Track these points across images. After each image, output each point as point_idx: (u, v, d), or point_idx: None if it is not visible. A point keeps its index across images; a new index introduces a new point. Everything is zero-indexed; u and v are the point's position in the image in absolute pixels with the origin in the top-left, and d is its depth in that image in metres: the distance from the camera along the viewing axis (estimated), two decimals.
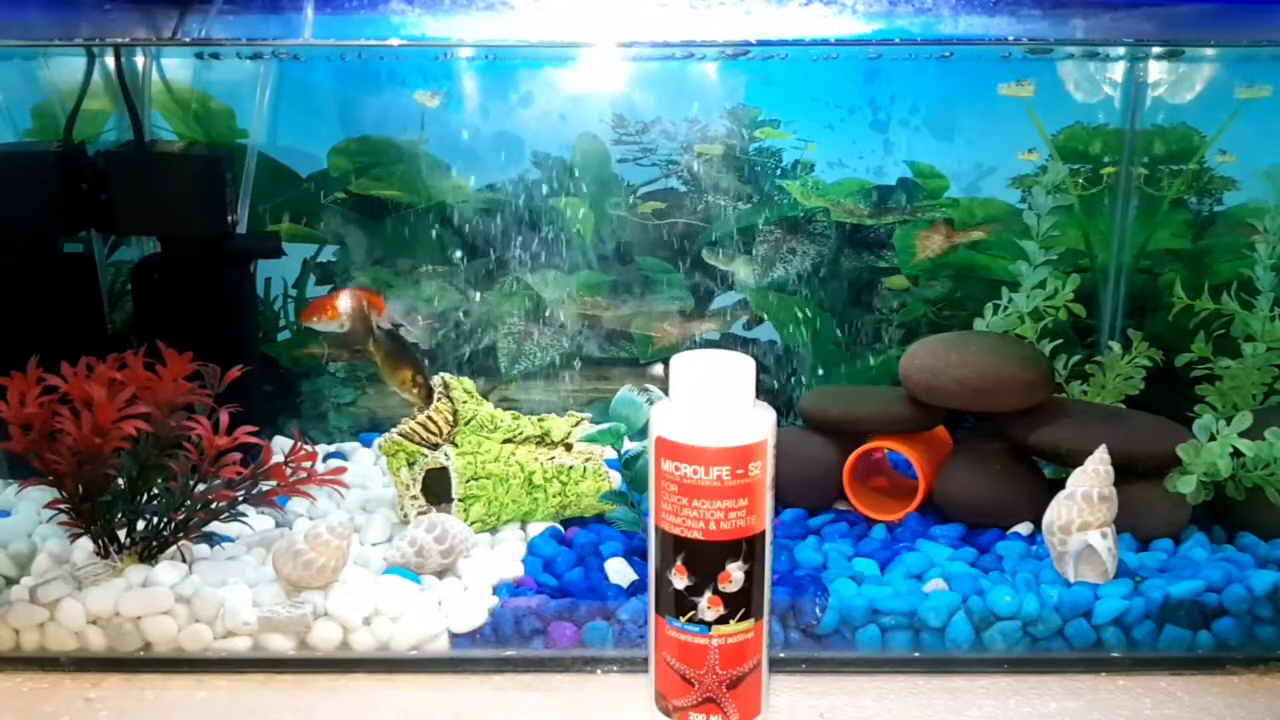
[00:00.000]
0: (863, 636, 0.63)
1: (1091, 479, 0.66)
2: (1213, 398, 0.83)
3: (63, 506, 0.65)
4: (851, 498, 0.78)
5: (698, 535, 0.43)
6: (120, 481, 0.66)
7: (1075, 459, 0.68)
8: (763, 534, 0.44)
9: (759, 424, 0.42)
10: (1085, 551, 0.65)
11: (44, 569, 0.67)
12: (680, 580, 0.45)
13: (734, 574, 0.43)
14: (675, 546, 0.44)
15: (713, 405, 0.42)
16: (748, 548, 0.43)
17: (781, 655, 0.62)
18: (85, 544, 0.67)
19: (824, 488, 0.79)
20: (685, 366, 0.42)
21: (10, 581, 0.66)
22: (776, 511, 0.80)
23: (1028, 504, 0.73)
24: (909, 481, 0.81)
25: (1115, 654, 0.63)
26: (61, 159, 0.80)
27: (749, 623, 0.46)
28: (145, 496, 0.67)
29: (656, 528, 0.45)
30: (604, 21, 0.75)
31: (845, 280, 0.96)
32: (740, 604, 0.45)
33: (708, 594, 0.44)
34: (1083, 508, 0.65)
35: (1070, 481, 0.67)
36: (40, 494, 0.74)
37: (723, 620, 0.45)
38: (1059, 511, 0.66)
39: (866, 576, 0.67)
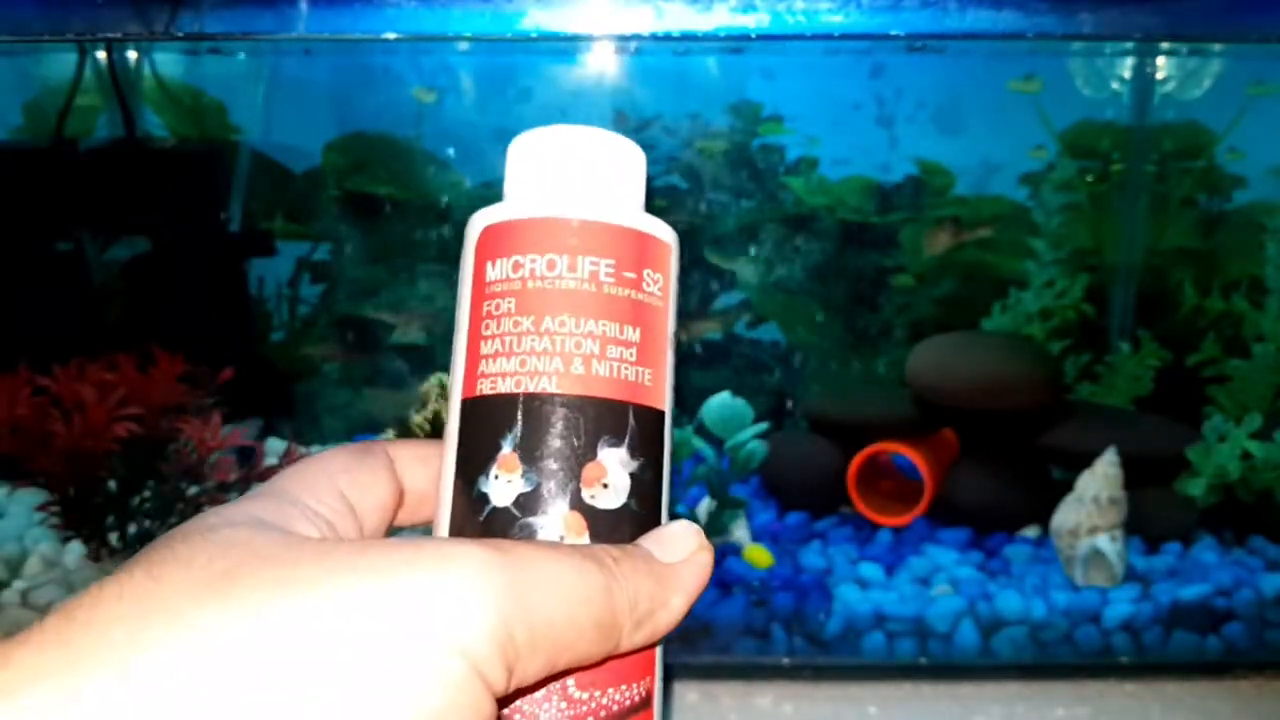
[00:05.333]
0: (868, 642, 0.62)
1: (1100, 482, 0.65)
2: (1223, 399, 0.82)
3: (54, 509, 0.64)
4: (856, 501, 0.77)
5: (547, 389, 0.20)
6: (112, 484, 0.65)
7: (1084, 461, 0.67)
8: (661, 415, 0.21)
9: (658, 225, 0.22)
10: (1094, 555, 0.64)
11: (35, 572, 0.66)
12: (504, 485, 0.20)
13: (610, 467, 0.20)
14: (499, 418, 0.20)
15: (582, 179, 0.22)
16: (638, 427, 0.20)
17: (785, 662, 0.61)
18: (76, 547, 0.66)
19: (828, 491, 0.78)
20: (533, 141, 0.23)
21: (2, 585, 0.65)
22: (779, 513, 0.80)
23: (1036, 507, 0.72)
24: (915, 484, 0.80)
25: (1123, 659, 0.62)
26: (51, 155, 0.79)
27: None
28: (137, 499, 0.66)
29: (463, 401, 0.21)
30: (603, 15, 0.73)
31: (850, 279, 0.95)
32: (625, 529, 0.20)
33: (561, 508, 0.20)
34: (1091, 511, 0.64)
35: (1079, 484, 0.66)
36: (32, 496, 0.73)
37: None
38: (1067, 515, 0.65)
39: (872, 581, 0.66)
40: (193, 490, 0.65)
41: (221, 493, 0.65)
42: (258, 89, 0.91)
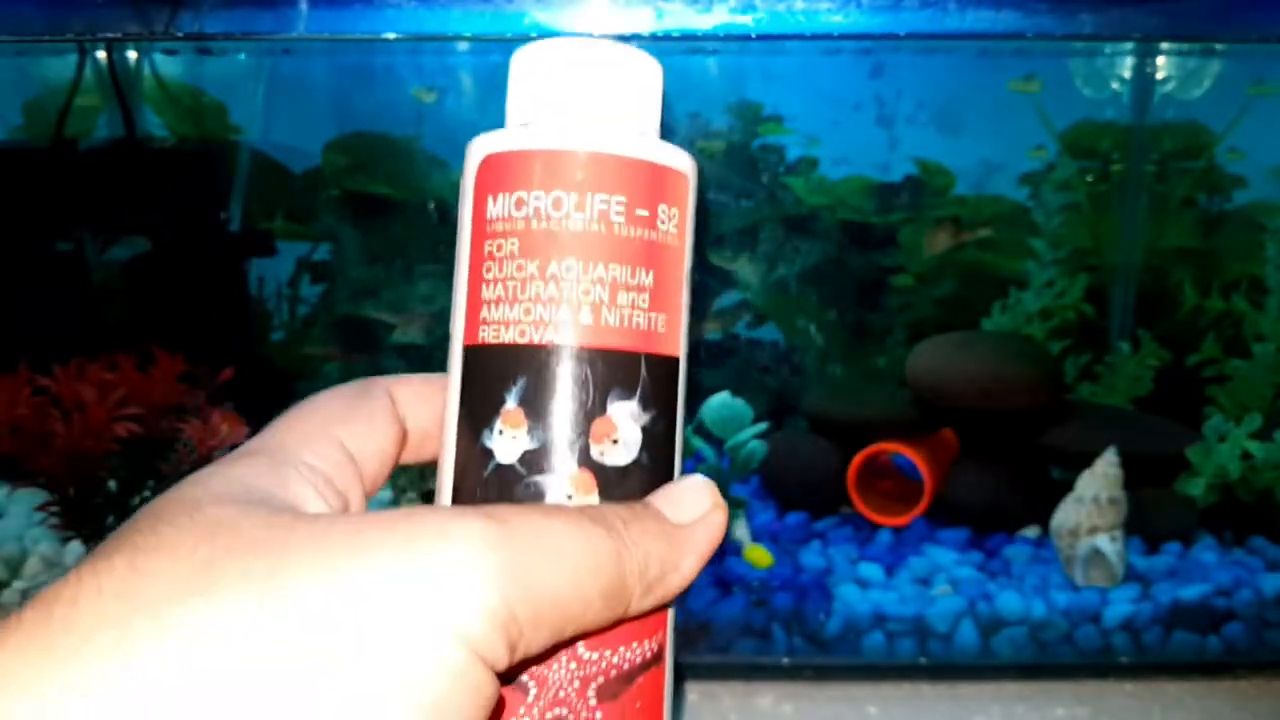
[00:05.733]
0: (868, 642, 0.62)
1: (1100, 482, 0.65)
2: (1223, 399, 0.82)
3: (54, 509, 0.64)
4: (856, 501, 0.77)
5: (553, 339, 0.19)
6: (112, 484, 0.65)
7: (1084, 461, 0.67)
8: (675, 362, 0.20)
9: (675, 154, 0.20)
10: (1094, 555, 0.64)
11: (35, 572, 0.66)
12: (509, 441, 0.19)
13: (621, 422, 0.19)
14: (502, 369, 0.19)
15: (592, 102, 0.20)
16: (650, 378, 0.19)
17: (785, 662, 0.61)
18: (76, 547, 0.66)
19: (828, 491, 0.78)
20: (538, 55, 0.20)
21: (2, 585, 0.65)
22: (779, 513, 0.80)
23: (1036, 507, 0.72)
24: (915, 484, 0.80)
25: (1123, 659, 0.62)
26: (52, 155, 0.79)
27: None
28: (137, 499, 0.66)
29: (464, 349, 0.20)
30: (602, 15, 0.73)
31: (850, 279, 0.95)
32: (635, 486, 0.19)
33: (569, 466, 0.19)
34: (1091, 511, 0.64)
35: (1079, 484, 0.66)
36: (31, 496, 0.73)
37: None
38: (1067, 515, 0.65)
39: (872, 581, 0.66)
40: None
41: None
42: (257, 89, 0.91)
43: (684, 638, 0.62)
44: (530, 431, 0.19)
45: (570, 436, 0.19)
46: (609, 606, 0.17)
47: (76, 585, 0.14)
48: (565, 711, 0.18)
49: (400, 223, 0.94)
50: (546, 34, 0.79)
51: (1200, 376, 0.84)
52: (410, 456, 0.21)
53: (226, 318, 0.85)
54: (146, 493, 0.66)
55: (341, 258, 0.95)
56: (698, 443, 0.65)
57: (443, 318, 0.94)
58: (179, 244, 0.83)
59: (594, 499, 0.19)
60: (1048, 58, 0.89)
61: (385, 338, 0.93)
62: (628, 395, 0.19)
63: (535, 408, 0.19)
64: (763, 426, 0.65)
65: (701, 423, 0.64)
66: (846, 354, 0.94)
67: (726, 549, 0.70)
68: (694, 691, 0.60)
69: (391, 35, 0.74)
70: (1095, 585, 0.64)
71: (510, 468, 0.19)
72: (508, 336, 0.19)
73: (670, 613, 0.20)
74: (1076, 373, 0.86)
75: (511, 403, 0.19)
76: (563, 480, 0.19)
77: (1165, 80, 0.91)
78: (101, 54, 0.84)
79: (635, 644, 0.18)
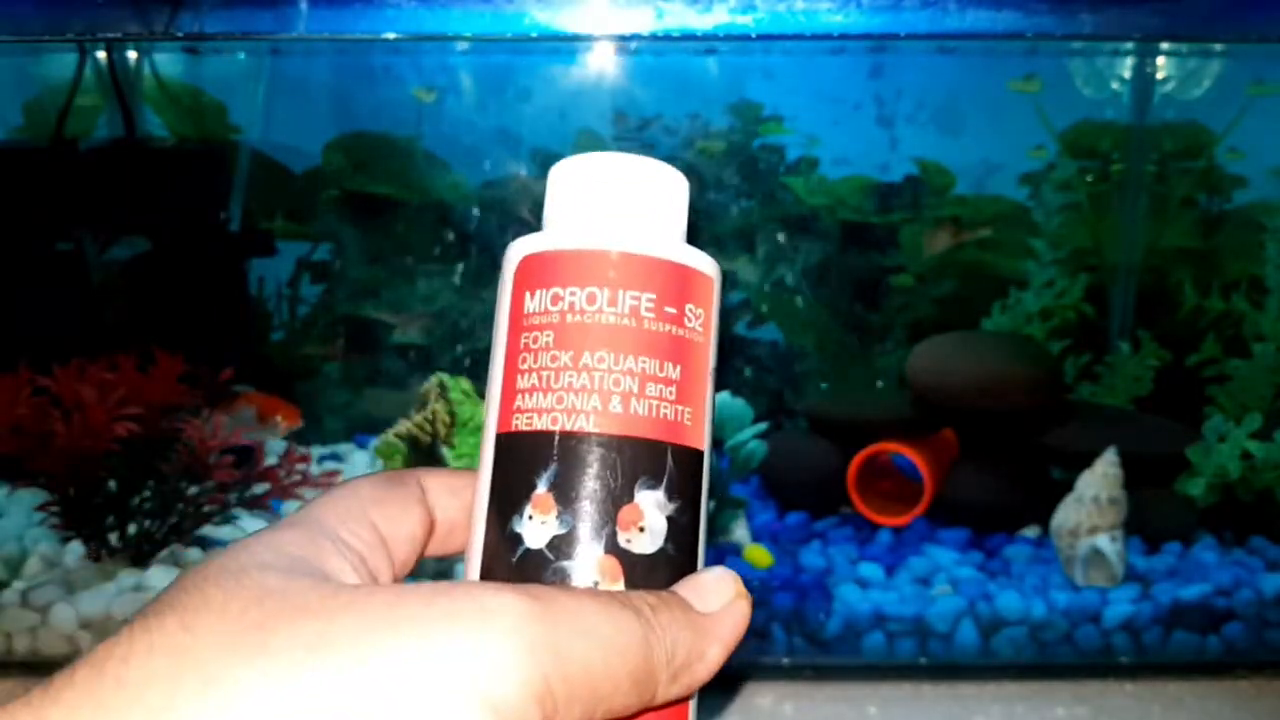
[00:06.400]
0: (868, 642, 0.62)
1: (1100, 482, 0.65)
2: (1223, 399, 0.82)
3: (54, 509, 0.64)
4: (856, 501, 0.77)
5: (584, 427, 0.19)
6: (112, 484, 0.65)
7: (1084, 461, 0.67)
8: (700, 455, 0.21)
9: (701, 258, 0.21)
10: (1094, 555, 0.64)
11: (35, 572, 0.66)
12: (539, 526, 0.20)
13: (648, 511, 0.19)
14: (534, 456, 0.20)
15: (624, 209, 0.21)
16: (676, 468, 0.20)
17: (785, 662, 0.61)
18: (76, 547, 0.66)
19: (829, 491, 0.78)
20: (575, 168, 0.22)
21: (2, 585, 0.65)
22: (779, 513, 0.80)
23: (1035, 507, 0.72)
24: (915, 484, 0.80)
25: (1124, 659, 0.62)
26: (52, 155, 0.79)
27: None
28: (137, 499, 0.66)
29: (497, 436, 0.21)
30: (603, 15, 0.73)
31: (850, 279, 0.95)
32: (661, 575, 0.20)
33: (596, 552, 0.19)
34: (1091, 511, 0.64)
35: (1079, 484, 0.66)
36: (32, 496, 0.73)
37: None
38: (1067, 515, 0.65)
39: (872, 581, 0.66)
40: (192, 490, 0.65)
41: (221, 493, 0.65)
42: (257, 89, 0.91)
43: None
44: (559, 517, 0.20)
45: (598, 523, 0.19)
46: (637, 691, 0.17)
47: (129, 643, 0.15)
48: None
49: (400, 223, 0.94)
50: (546, 34, 0.80)
51: (1200, 376, 0.84)
52: (436, 548, 0.22)
53: (226, 318, 0.85)
54: (146, 493, 0.66)
55: (341, 258, 0.95)
56: None
57: (442, 317, 0.94)
58: (179, 244, 0.83)
59: (620, 586, 0.19)
60: (1048, 58, 0.89)
61: (385, 337, 0.93)
62: (655, 485, 0.20)
63: (565, 493, 0.19)
64: (763, 426, 0.65)
65: None
66: (846, 354, 0.94)
67: (726, 549, 0.70)
68: None
69: (391, 35, 0.74)
70: (1095, 585, 0.64)
71: (539, 552, 0.19)
72: (541, 424, 0.20)
73: (692, 705, 0.20)
74: (1076, 373, 0.86)
75: (542, 488, 0.20)
76: (590, 566, 0.19)
77: (1165, 80, 0.91)
78: (101, 54, 0.84)
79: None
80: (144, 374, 0.64)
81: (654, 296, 0.20)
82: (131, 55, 0.89)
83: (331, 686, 0.14)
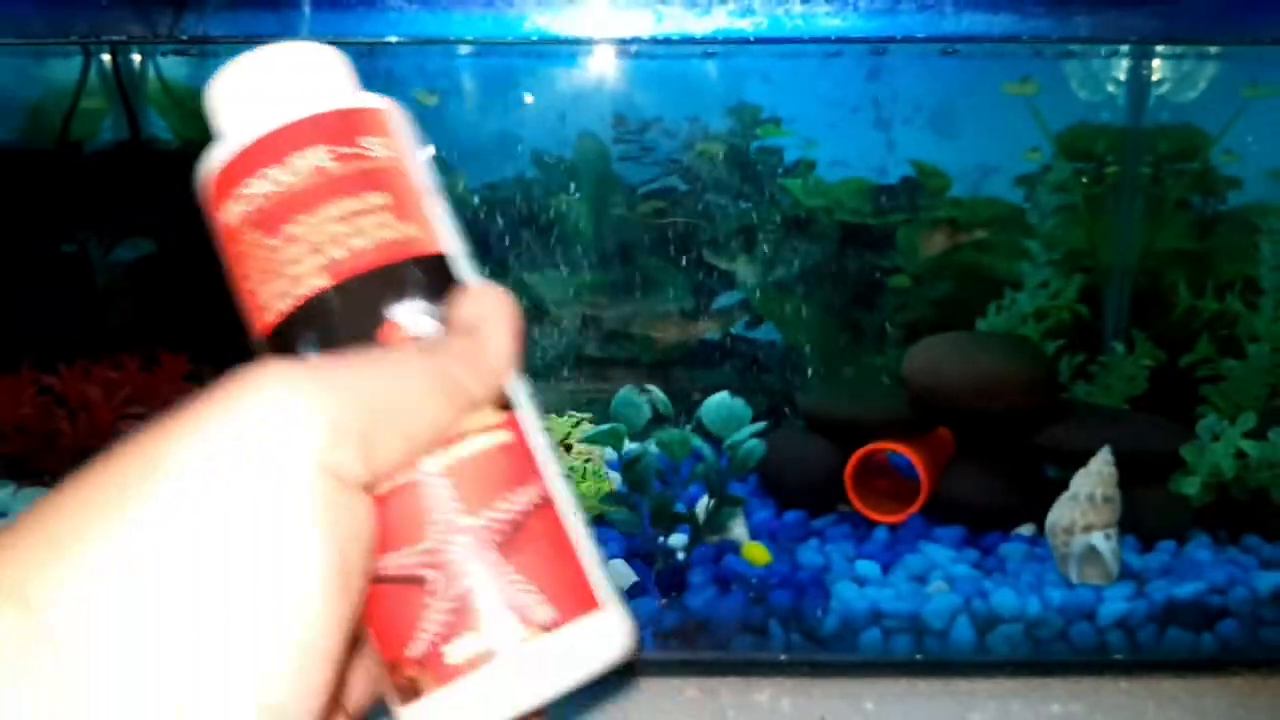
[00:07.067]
0: (865, 639, 0.62)
1: (1095, 480, 0.65)
2: (1217, 398, 0.83)
3: None
4: (854, 499, 0.78)
5: (319, 285, 0.20)
6: None
7: (1079, 460, 0.68)
8: (443, 256, 0.22)
9: (361, 97, 0.23)
10: (1088, 553, 0.65)
11: None
12: None
13: (408, 322, 0.20)
14: (291, 340, 0.21)
15: (268, 93, 0.22)
16: (423, 275, 0.21)
17: (782, 658, 0.61)
18: None
19: (826, 489, 0.79)
20: (216, 86, 0.22)
21: None
22: (777, 511, 0.81)
23: (1031, 505, 0.73)
24: (911, 483, 0.80)
25: (1118, 656, 0.63)
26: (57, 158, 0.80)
27: (487, 411, 0.20)
28: None
29: (258, 344, 0.22)
30: (603, 19, 0.74)
31: (847, 280, 0.95)
32: None
33: None
34: (1086, 509, 0.65)
35: (1074, 483, 0.67)
36: (37, 495, 0.73)
37: None
38: (1062, 513, 0.66)
39: (869, 578, 0.67)
40: None
41: None
42: None
43: (683, 634, 0.62)
44: None
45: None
46: (445, 392, 0.18)
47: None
48: (471, 582, 0.19)
49: None
50: (546, 38, 0.80)
51: (1195, 376, 0.84)
52: None
53: (230, 318, 0.86)
54: None
55: None
56: (697, 442, 0.65)
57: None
58: (183, 246, 0.84)
59: None
60: (1044, 60, 0.90)
61: None
62: (407, 298, 0.21)
63: (330, 349, 0.20)
64: (761, 426, 0.66)
65: (700, 422, 0.65)
66: (844, 354, 0.95)
67: (725, 547, 0.70)
68: (693, 688, 0.61)
69: (394, 39, 0.75)
70: (1090, 583, 0.65)
71: None
72: (284, 306, 0.21)
73: (547, 462, 0.21)
74: (1071, 372, 0.87)
75: (303, 348, 0.21)
76: None
77: (1161, 83, 0.91)
78: (106, 57, 0.85)
79: (512, 494, 0.19)
80: (149, 374, 0.64)
81: (326, 146, 0.21)
82: (136, 58, 0.89)
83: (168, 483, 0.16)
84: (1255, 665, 0.63)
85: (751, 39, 0.76)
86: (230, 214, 0.22)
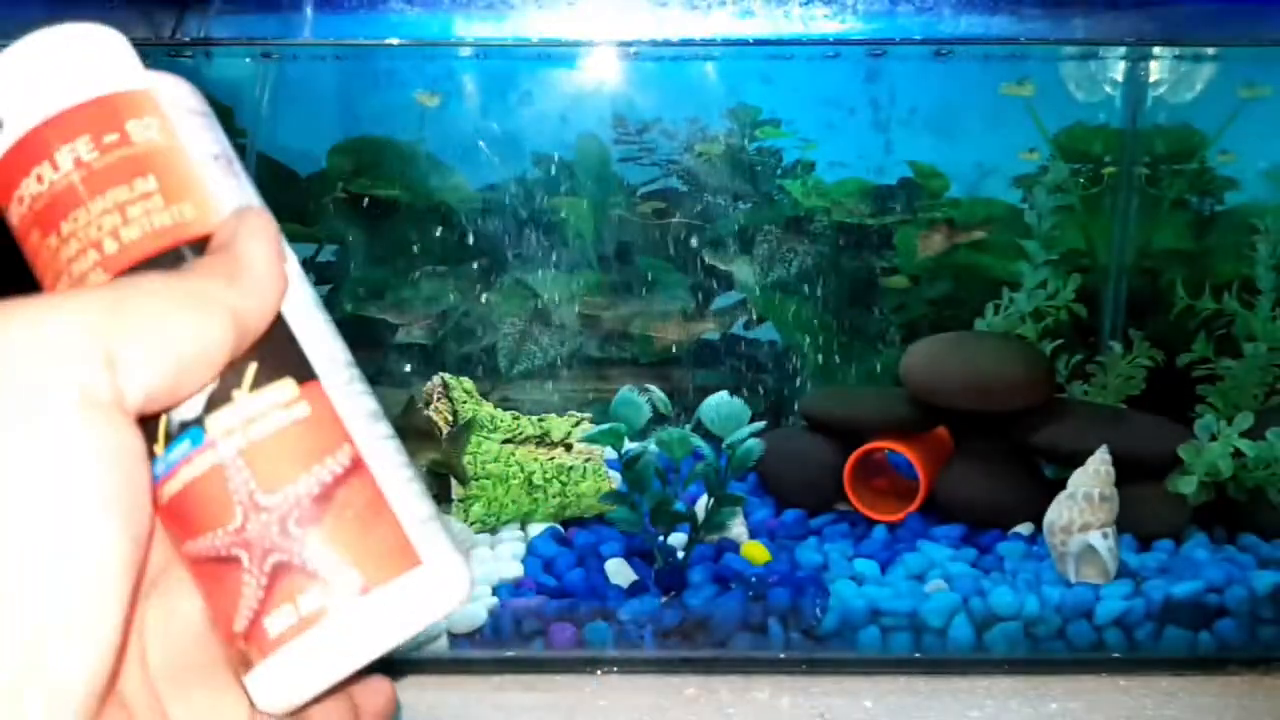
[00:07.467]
0: (863, 637, 0.63)
1: (1093, 479, 0.66)
2: (1214, 398, 0.83)
3: None
4: (852, 498, 0.78)
5: (100, 279, 0.21)
6: None
7: (1076, 459, 0.68)
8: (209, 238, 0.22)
9: (127, 80, 0.22)
10: (1086, 552, 0.65)
11: None
12: None
13: None
14: None
15: (26, 87, 0.21)
16: (195, 256, 0.21)
17: (781, 656, 0.62)
18: None
19: (825, 488, 0.79)
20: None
21: None
22: (776, 510, 0.81)
23: (1029, 504, 0.73)
24: (910, 482, 0.80)
25: (1116, 655, 0.63)
26: None
27: (283, 387, 0.20)
28: None
29: None
30: (603, 21, 0.74)
31: (846, 280, 0.96)
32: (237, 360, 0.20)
33: None
34: (1084, 508, 0.65)
35: (1071, 482, 0.67)
36: None
37: (217, 402, 0.20)
38: (1060, 512, 0.66)
39: (867, 577, 0.67)
40: None
41: None
42: (263, 93, 0.93)
43: (683, 633, 0.63)
44: None
45: None
46: (201, 306, 0.18)
47: None
48: (283, 555, 0.19)
49: (404, 224, 0.95)
50: (546, 40, 0.81)
51: (1192, 376, 0.85)
52: None
53: None
54: None
55: (346, 259, 0.96)
56: (696, 441, 0.66)
57: (445, 318, 0.95)
58: None
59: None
60: (1041, 62, 0.90)
61: (389, 338, 0.94)
62: None
63: None
64: (760, 425, 0.66)
65: (699, 421, 0.65)
66: (842, 354, 0.95)
67: (724, 545, 0.71)
68: (692, 685, 0.61)
69: (395, 41, 0.75)
70: (1088, 581, 0.65)
71: None
72: None
73: (360, 425, 0.21)
74: (1069, 372, 0.87)
75: None
76: None
77: (1158, 84, 0.92)
78: None
79: (317, 466, 0.20)
80: None
81: (87, 138, 0.21)
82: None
83: None
84: (1252, 664, 0.63)
85: (751, 41, 0.76)
86: (14, 216, 0.22)
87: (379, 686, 0.21)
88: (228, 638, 0.19)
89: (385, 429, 0.21)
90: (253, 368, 0.20)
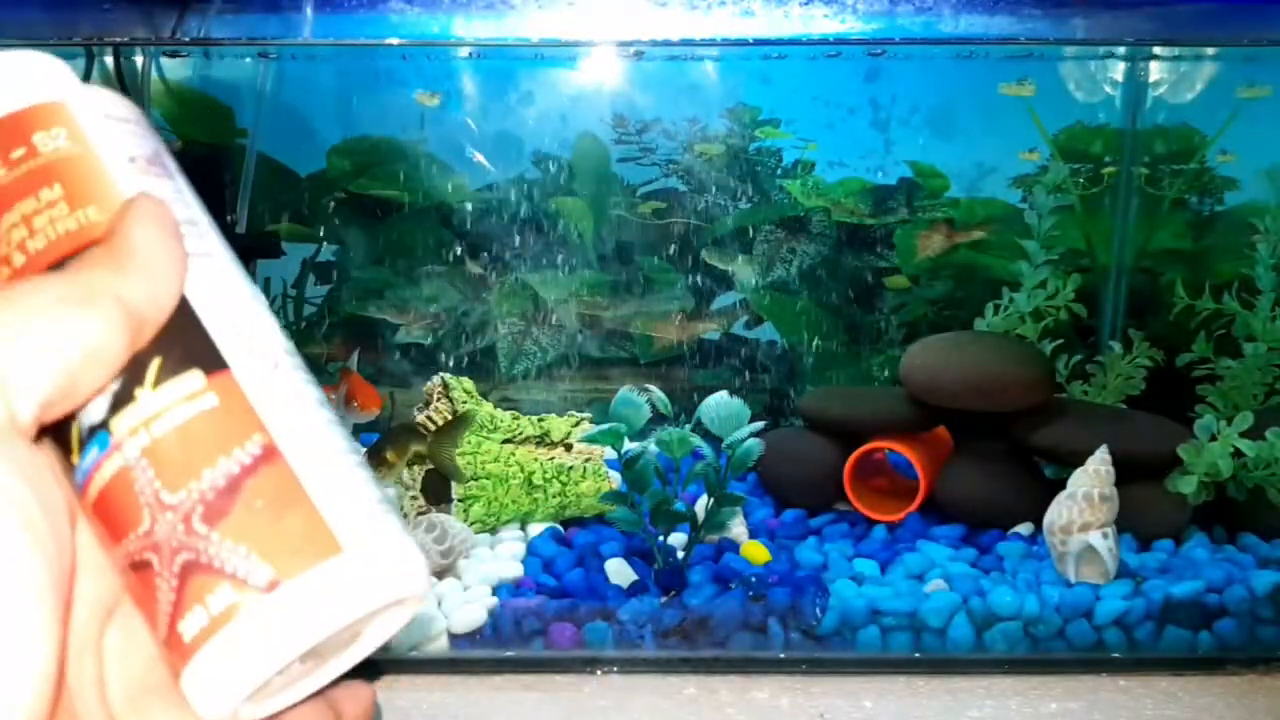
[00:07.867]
0: (863, 637, 0.63)
1: (1092, 479, 0.66)
2: (1214, 398, 0.83)
3: None
4: (852, 498, 0.78)
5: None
6: None
7: (1076, 459, 0.68)
8: None
9: (29, 95, 0.22)
10: (1086, 552, 0.65)
11: None
12: None
13: None
14: None
15: None
16: None
17: (781, 656, 0.62)
18: None
19: (824, 488, 0.79)
20: None
21: None
22: (776, 510, 0.81)
23: (1028, 504, 0.73)
24: (909, 482, 0.80)
25: (1116, 654, 0.63)
26: None
27: (188, 379, 0.20)
28: None
29: None
30: (603, 21, 0.74)
31: (845, 280, 0.96)
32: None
33: None
34: (1084, 508, 0.65)
35: (1071, 482, 0.67)
36: None
37: (121, 402, 0.20)
38: (1060, 512, 0.66)
39: (867, 577, 0.67)
40: None
41: None
42: (263, 93, 0.93)
43: (683, 633, 0.63)
44: None
45: None
46: (89, 306, 0.17)
47: None
48: (190, 554, 0.18)
49: (403, 224, 0.95)
50: (546, 41, 0.81)
51: (1192, 376, 0.85)
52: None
53: None
54: None
55: (346, 259, 0.96)
56: (696, 441, 0.66)
57: (445, 317, 0.95)
58: None
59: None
60: (1041, 62, 0.90)
61: (389, 337, 0.94)
62: None
63: None
64: (760, 425, 0.66)
65: (699, 421, 0.66)
66: (842, 354, 0.95)
67: (724, 545, 0.71)
68: (692, 685, 0.61)
69: (395, 41, 0.75)
70: (1087, 581, 0.65)
71: None
72: None
73: (276, 412, 0.20)
74: (1069, 372, 0.87)
75: None
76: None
77: (1157, 84, 0.92)
78: (109, 59, 0.86)
79: (223, 458, 0.19)
80: None
81: None
82: (139, 60, 0.90)
83: None
84: (1252, 663, 0.63)
85: (751, 41, 0.76)
86: None
87: (358, 690, 0.21)
88: (161, 643, 0.19)
89: (321, 415, 0.20)
90: (156, 362, 0.19)
